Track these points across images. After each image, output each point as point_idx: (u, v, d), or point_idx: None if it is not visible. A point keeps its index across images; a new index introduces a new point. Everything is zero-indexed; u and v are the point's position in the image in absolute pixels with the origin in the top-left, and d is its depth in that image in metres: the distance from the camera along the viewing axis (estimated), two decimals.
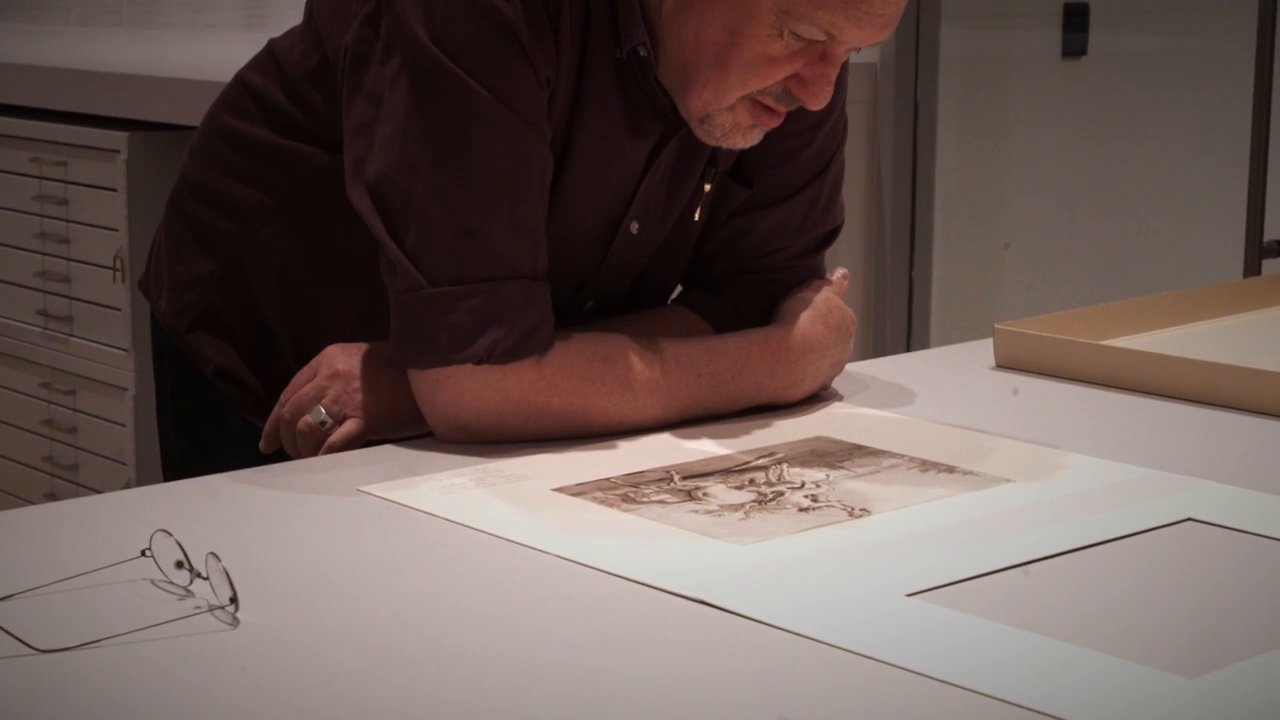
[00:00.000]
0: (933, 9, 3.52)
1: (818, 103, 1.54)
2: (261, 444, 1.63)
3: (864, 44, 1.52)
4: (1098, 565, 1.28)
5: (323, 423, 1.58)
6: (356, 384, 1.59)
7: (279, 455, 1.61)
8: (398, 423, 1.59)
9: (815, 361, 1.67)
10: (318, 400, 1.59)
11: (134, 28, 5.09)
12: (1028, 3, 3.82)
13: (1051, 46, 3.72)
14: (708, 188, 1.69)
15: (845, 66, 1.70)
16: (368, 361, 1.60)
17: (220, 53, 3.93)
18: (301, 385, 1.61)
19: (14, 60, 3.91)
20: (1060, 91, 3.77)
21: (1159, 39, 3.75)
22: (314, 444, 1.59)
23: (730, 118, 1.56)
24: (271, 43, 1.75)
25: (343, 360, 1.60)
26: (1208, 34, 3.64)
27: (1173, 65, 3.70)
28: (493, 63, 1.49)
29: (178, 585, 1.17)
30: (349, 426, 1.58)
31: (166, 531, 1.17)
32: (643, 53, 1.56)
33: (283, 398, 1.62)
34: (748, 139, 1.59)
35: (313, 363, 1.62)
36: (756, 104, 1.55)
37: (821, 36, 1.50)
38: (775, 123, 1.58)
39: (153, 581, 1.19)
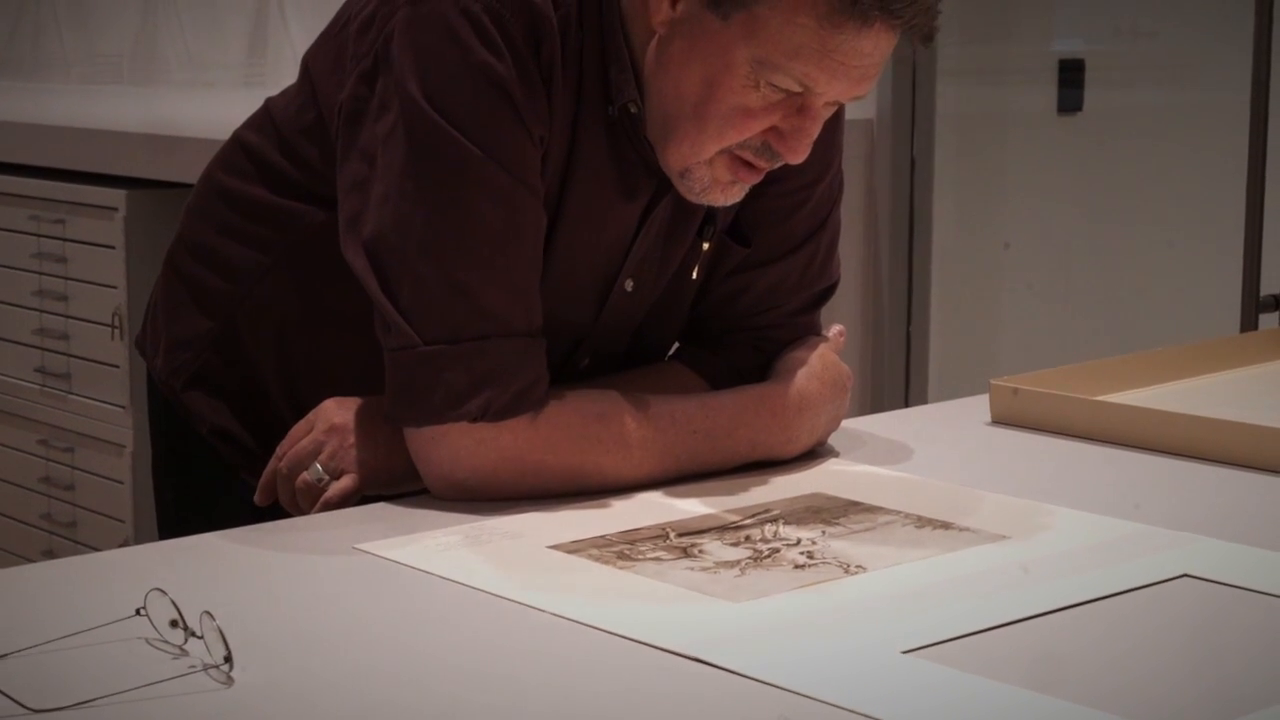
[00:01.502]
0: (928, 64, 3.53)
1: (796, 156, 1.54)
2: (256, 497, 1.63)
3: (843, 97, 1.52)
4: (1094, 622, 1.28)
5: (319, 479, 1.58)
6: (352, 439, 1.59)
7: (275, 509, 1.61)
8: (394, 479, 1.59)
9: (811, 418, 1.67)
10: (314, 455, 1.59)
11: (133, 86, 5.10)
12: (1023, 58, 3.84)
13: (1047, 102, 3.73)
14: (706, 246, 1.69)
15: (841, 122, 1.71)
16: (364, 416, 1.60)
17: (219, 111, 3.94)
18: (298, 439, 1.61)
19: (13, 119, 3.92)
20: (1056, 147, 3.78)
21: (1154, 94, 3.76)
22: (312, 500, 1.59)
23: (709, 172, 1.56)
24: (268, 101, 1.76)
25: (339, 415, 1.60)
26: (1203, 89, 3.65)
27: (1168, 120, 3.71)
28: (486, 121, 1.50)
29: (172, 644, 1.17)
30: (345, 482, 1.58)
31: (161, 590, 1.17)
32: (633, 109, 1.57)
33: (279, 451, 1.62)
34: (728, 195, 1.59)
35: (309, 416, 1.62)
36: (735, 159, 1.55)
37: (797, 88, 1.50)
38: (755, 178, 1.58)
39: (148, 641, 1.19)
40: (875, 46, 1.48)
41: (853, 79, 1.49)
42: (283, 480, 1.61)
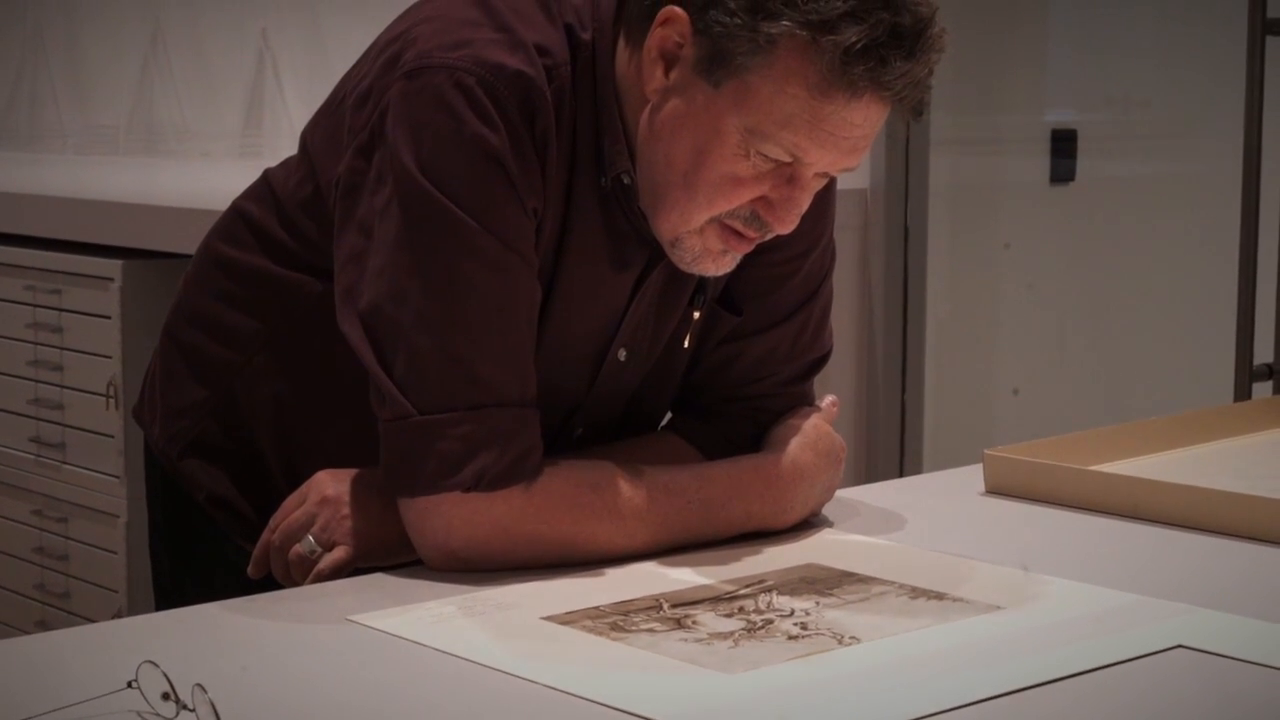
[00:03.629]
0: (922, 134, 3.55)
1: (785, 226, 1.55)
2: (250, 569, 1.62)
3: (832, 168, 1.53)
4: (1089, 693, 1.27)
5: (312, 551, 1.58)
6: (346, 510, 1.59)
7: (271, 579, 1.61)
8: (387, 550, 1.59)
9: (805, 488, 1.67)
10: (307, 527, 1.59)
11: (130, 156, 5.12)
12: (1016, 128, 3.85)
13: (1040, 172, 3.74)
14: (697, 315, 1.70)
15: (832, 193, 1.72)
16: (358, 487, 1.60)
17: (216, 181, 3.96)
18: (291, 511, 1.61)
19: (10, 189, 3.93)
20: (1049, 217, 3.80)
21: (1147, 164, 3.78)
22: (304, 572, 1.58)
23: (700, 241, 1.56)
24: (267, 172, 1.77)
25: (332, 486, 1.60)
26: (1195, 158, 3.67)
27: (1161, 190, 3.72)
28: (480, 192, 1.51)
29: (164, 717, 1.17)
30: (338, 554, 1.58)
31: (153, 663, 1.17)
32: (626, 180, 1.58)
33: (272, 523, 1.62)
34: (719, 265, 1.59)
35: (303, 488, 1.62)
36: (726, 228, 1.56)
37: (787, 158, 1.51)
38: (746, 248, 1.58)
39: (139, 714, 1.18)
40: (865, 118, 1.49)
41: (843, 150, 1.50)
42: (275, 552, 1.60)
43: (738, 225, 1.55)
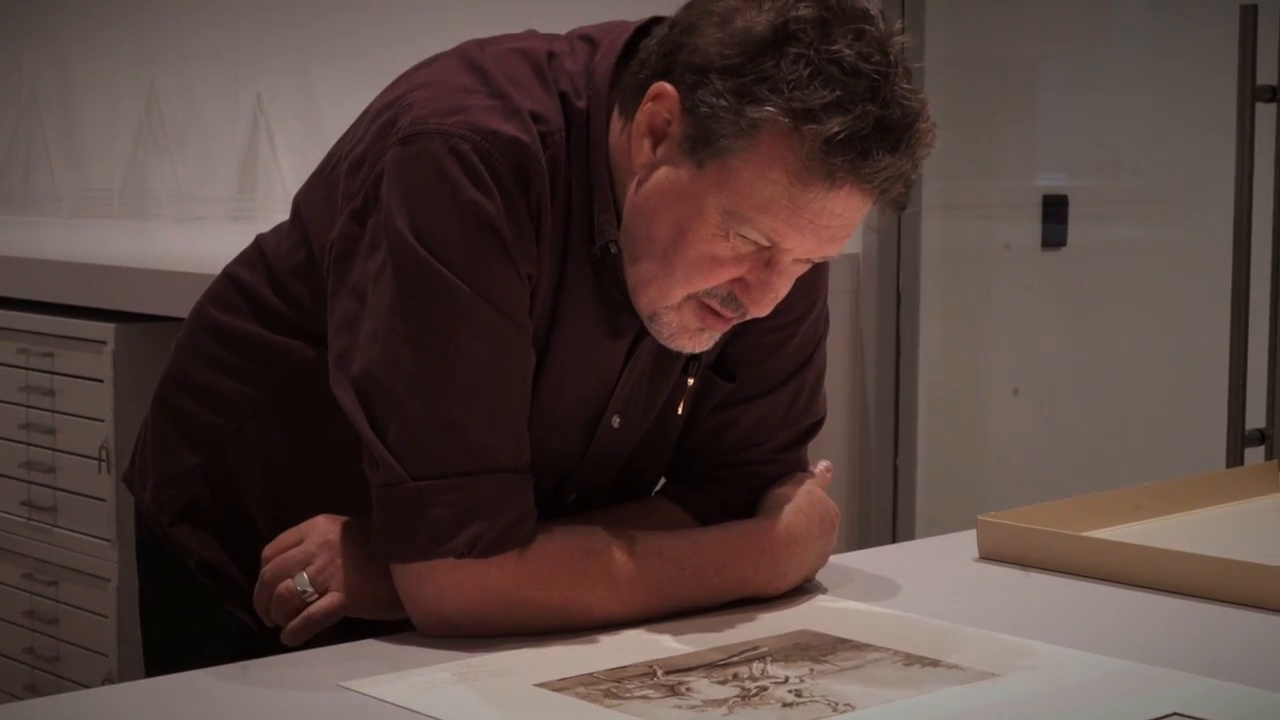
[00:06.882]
0: (914, 199, 3.56)
1: (760, 310, 1.56)
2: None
3: (811, 255, 1.53)
4: None
5: (304, 591, 1.57)
6: (342, 559, 1.58)
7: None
8: (379, 604, 1.58)
9: (799, 555, 1.67)
10: (303, 565, 1.58)
11: (124, 219, 5.13)
12: (1008, 193, 3.87)
13: (1031, 237, 3.76)
14: (690, 382, 1.70)
15: (825, 261, 1.72)
16: (356, 538, 1.59)
17: (209, 245, 3.97)
18: (287, 546, 1.60)
19: (3, 252, 3.94)
20: (1041, 282, 3.80)
21: (1139, 230, 3.79)
22: (289, 611, 1.57)
23: (677, 318, 1.57)
24: (259, 238, 1.77)
25: (331, 531, 1.60)
26: (1186, 225, 3.68)
27: (1152, 256, 3.73)
28: (474, 259, 1.51)
29: None
30: (331, 600, 1.57)
31: None
32: (614, 249, 1.58)
33: (265, 554, 1.61)
34: (695, 343, 1.59)
35: (301, 527, 1.61)
36: (703, 306, 1.56)
37: (765, 242, 1.51)
38: (723, 328, 1.59)
39: None
40: (845, 208, 1.49)
41: (821, 238, 1.51)
42: (263, 586, 1.60)
43: (715, 304, 1.55)
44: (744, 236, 1.51)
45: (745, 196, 1.48)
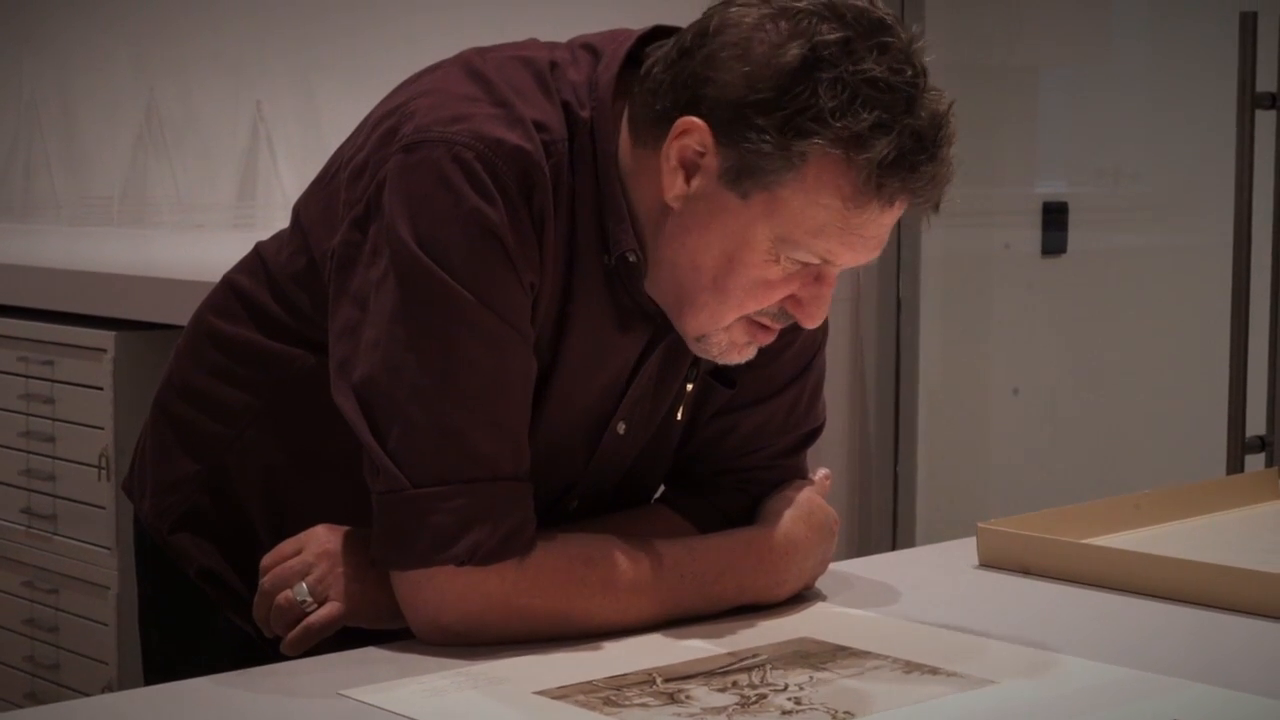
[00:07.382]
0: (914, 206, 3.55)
1: (813, 321, 1.58)
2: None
3: (857, 264, 1.56)
4: None
5: (303, 601, 1.57)
6: (342, 568, 1.58)
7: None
8: (378, 613, 1.58)
9: (798, 562, 1.67)
10: (302, 575, 1.58)
11: (124, 227, 5.13)
12: (1008, 200, 3.87)
13: (1031, 244, 3.76)
14: (690, 387, 1.70)
15: None
16: (355, 547, 1.59)
17: (209, 253, 3.96)
18: (286, 556, 1.60)
19: (3, 260, 3.94)
20: (1041, 289, 3.81)
21: (1138, 237, 3.79)
22: (288, 622, 1.57)
23: (727, 337, 1.58)
24: (259, 245, 1.77)
25: (330, 541, 1.60)
26: (1186, 232, 3.68)
27: (1152, 262, 3.74)
28: (477, 266, 1.51)
29: None
30: (330, 610, 1.57)
31: None
32: (632, 259, 1.58)
33: (264, 564, 1.61)
34: (743, 355, 1.61)
35: (300, 537, 1.61)
36: (753, 323, 1.57)
37: (817, 261, 1.53)
38: (770, 339, 1.60)
39: None
40: (893, 218, 1.53)
41: (870, 248, 1.54)
42: (262, 596, 1.59)
43: (765, 320, 1.58)
44: (794, 259, 1.52)
45: (797, 224, 1.50)
